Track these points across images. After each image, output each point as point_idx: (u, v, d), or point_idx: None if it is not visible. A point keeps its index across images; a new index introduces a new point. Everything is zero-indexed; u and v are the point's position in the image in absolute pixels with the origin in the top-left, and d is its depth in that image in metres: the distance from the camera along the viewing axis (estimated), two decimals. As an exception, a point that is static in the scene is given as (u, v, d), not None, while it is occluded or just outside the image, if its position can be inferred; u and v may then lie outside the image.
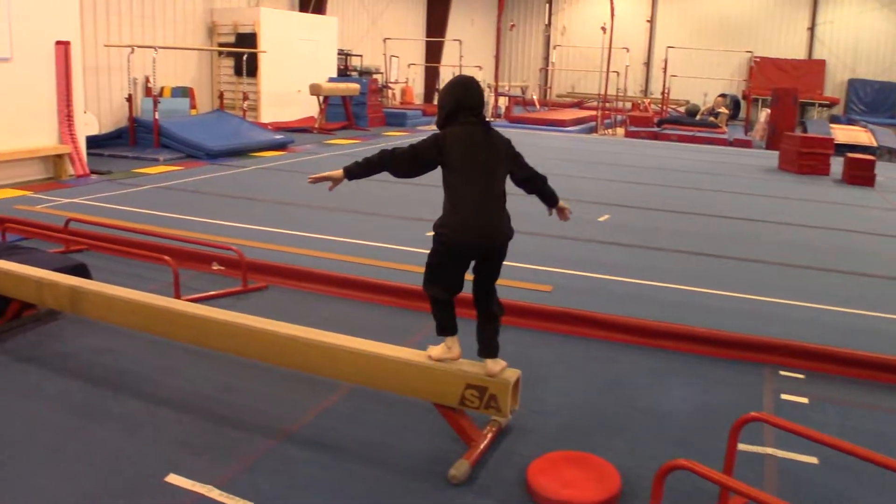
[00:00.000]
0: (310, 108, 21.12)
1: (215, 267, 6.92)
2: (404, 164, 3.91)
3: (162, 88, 17.39)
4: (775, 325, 5.96)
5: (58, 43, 11.77)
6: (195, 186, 10.88)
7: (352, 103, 21.30)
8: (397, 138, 18.95)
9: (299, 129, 19.51)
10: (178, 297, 5.90)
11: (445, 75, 30.88)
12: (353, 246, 7.74)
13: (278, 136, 16.48)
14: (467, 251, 3.81)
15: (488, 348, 3.86)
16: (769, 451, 4.12)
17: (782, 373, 5.23)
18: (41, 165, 11.88)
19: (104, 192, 10.06)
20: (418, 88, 31.55)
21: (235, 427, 4.20)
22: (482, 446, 3.88)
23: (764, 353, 5.42)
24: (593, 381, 5.03)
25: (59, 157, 11.83)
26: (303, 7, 23.19)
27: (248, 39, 19.31)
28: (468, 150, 3.78)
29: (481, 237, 3.75)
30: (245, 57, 18.32)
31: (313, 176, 4.16)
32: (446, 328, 3.91)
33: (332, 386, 4.56)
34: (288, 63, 20.17)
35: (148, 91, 16.95)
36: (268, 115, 19.74)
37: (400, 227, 8.81)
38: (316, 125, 19.97)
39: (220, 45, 19.74)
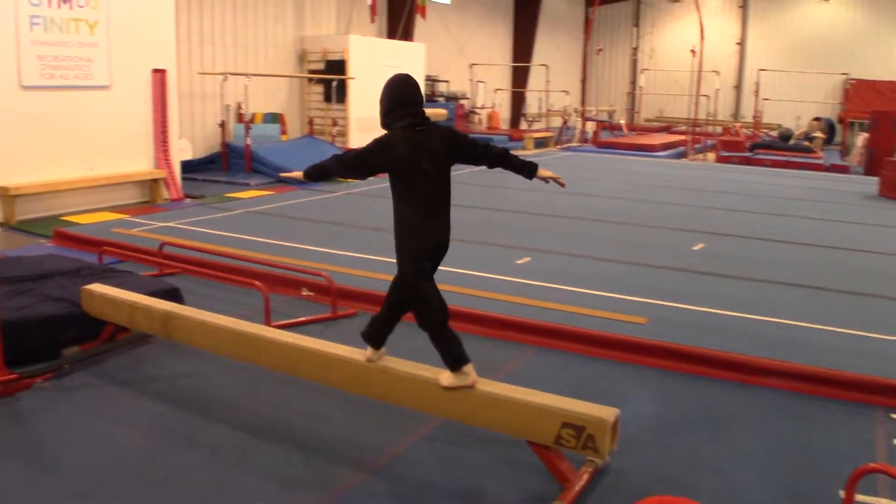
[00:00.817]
0: (402, 133, 21.23)
1: (305, 293, 6.92)
2: (352, 168, 4.06)
3: (253, 114, 17.73)
4: (886, 363, 5.62)
5: (154, 71, 12.12)
6: (285, 211, 10.99)
7: (438, 128, 21.32)
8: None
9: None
10: (268, 322, 5.91)
11: (532, 100, 30.83)
12: (440, 273, 7.63)
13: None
14: (427, 255, 3.92)
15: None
16: (884, 502, 3.84)
17: (895, 416, 4.92)
18: (138, 189, 12.21)
19: (197, 216, 10.26)
20: (504, 113, 31.51)
21: (323, 458, 4.13)
22: (577, 488, 3.71)
23: (875, 393, 5.10)
24: (690, 419, 4.80)
25: (155, 181, 12.14)
26: (391, 34, 23.45)
27: (337, 66, 19.57)
28: (408, 153, 3.82)
29: (437, 241, 3.92)
30: (334, 83, 18.54)
31: (285, 174, 4.40)
32: (460, 357, 3.86)
33: (422, 417, 4.46)
34: (376, 89, 20.11)
35: (240, 117, 17.31)
36: (356, 140, 19.91)
37: (487, 253, 8.71)
38: (403, 150, 20.05)
39: (310, 71, 20.05)
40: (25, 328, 5.11)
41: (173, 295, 5.87)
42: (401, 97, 3.98)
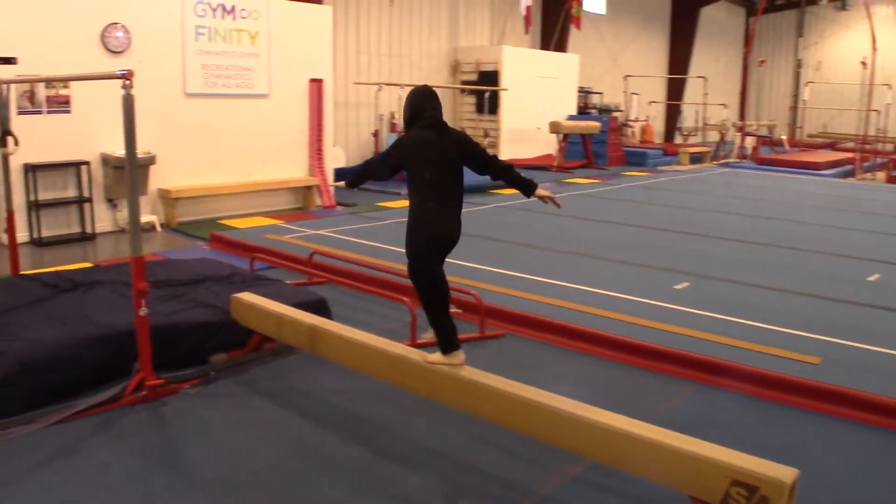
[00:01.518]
0: (548, 145, 20.96)
1: (452, 310, 6.70)
2: (378, 168, 4.49)
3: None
4: None
5: (312, 80, 12.31)
6: None
7: (591, 141, 20.87)
8: (638, 178, 18.28)
9: (537, 166, 19.34)
10: (413, 340, 5.74)
11: (688, 113, 29.79)
12: (595, 296, 7.26)
13: (517, 174, 16.27)
14: (440, 245, 4.29)
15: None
16: None
17: None
18: (291, 196, 12.43)
19: (349, 224, 10.29)
20: (658, 127, 30.62)
21: (468, 491, 3.88)
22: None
23: None
24: (875, 477, 4.25)
25: (309, 188, 12.32)
26: (544, 45, 23.16)
27: (490, 77, 19.46)
28: (421, 150, 4.19)
29: (448, 230, 4.27)
30: (487, 94, 18.40)
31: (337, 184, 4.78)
32: (453, 344, 4.24)
33: (573, 457, 4.11)
34: (528, 100, 20.12)
35: (392, 126, 17.44)
36: (507, 151, 19.74)
37: (642, 275, 8.24)
38: (554, 163, 19.75)
39: (463, 82, 20.04)
40: (176, 333, 5.12)
41: (320, 307, 5.79)
42: (421, 106, 4.33)
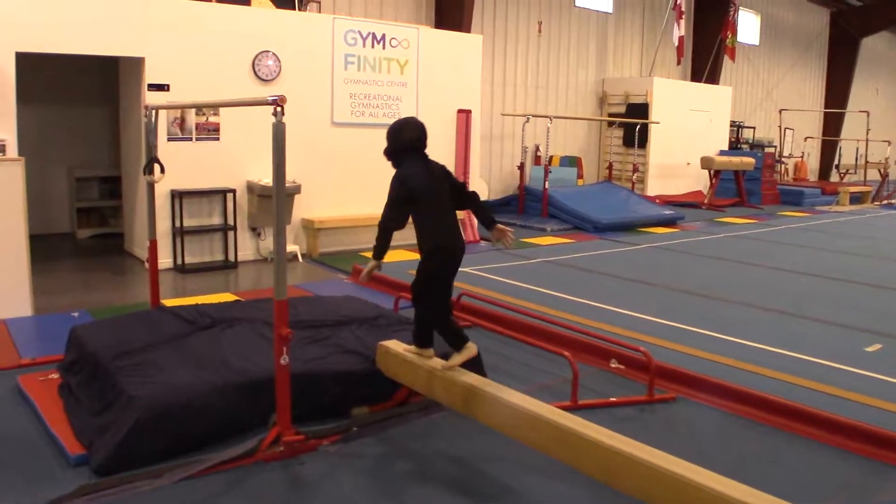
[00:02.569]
0: (696, 181, 19.96)
1: (614, 364, 6.05)
2: (395, 216, 4.49)
3: (551, 157, 17.28)
4: None
5: (459, 111, 11.92)
6: (586, 264, 10.13)
7: (744, 178, 19.70)
8: (796, 219, 16.98)
9: (686, 203, 18.36)
10: (574, 400, 5.13)
11: (848, 149, 27.88)
12: (773, 356, 6.39)
13: (668, 212, 15.44)
14: (452, 267, 4.54)
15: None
16: None
17: None
18: (434, 230, 12.03)
19: (494, 262, 9.73)
20: (813, 163, 28.88)
21: None
22: None
23: None
24: None
25: (453, 222, 11.89)
26: (694, 76, 22.19)
27: (638, 110, 18.67)
28: (429, 181, 4.43)
29: (459, 253, 4.54)
30: (638, 128, 17.61)
31: (362, 278, 4.81)
32: (462, 337, 4.54)
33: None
34: (678, 134, 19.20)
35: (537, 160, 16.93)
36: (654, 187, 18.88)
37: (828, 334, 7.25)
38: (705, 201, 18.71)
39: (610, 115, 19.33)
40: (318, 383, 4.69)
41: (472, 359, 5.24)
42: (417, 138, 4.51)
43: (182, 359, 4.76)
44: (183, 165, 8.94)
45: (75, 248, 11.59)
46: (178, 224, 9.44)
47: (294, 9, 11.72)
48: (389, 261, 9.87)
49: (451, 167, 11.81)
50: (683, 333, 6.92)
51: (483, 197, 13.25)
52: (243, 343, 5.07)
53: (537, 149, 17.35)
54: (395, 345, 4.85)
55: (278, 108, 4.05)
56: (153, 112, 6.07)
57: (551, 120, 15.37)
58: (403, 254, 10.46)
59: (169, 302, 7.43)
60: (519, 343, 6.36)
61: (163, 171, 6.04)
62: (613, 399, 5.39)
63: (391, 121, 10.82)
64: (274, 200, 4.16)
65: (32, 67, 9.78)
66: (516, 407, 3.92)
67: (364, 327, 5.58)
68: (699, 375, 5.67)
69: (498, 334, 6.59)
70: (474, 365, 5.20)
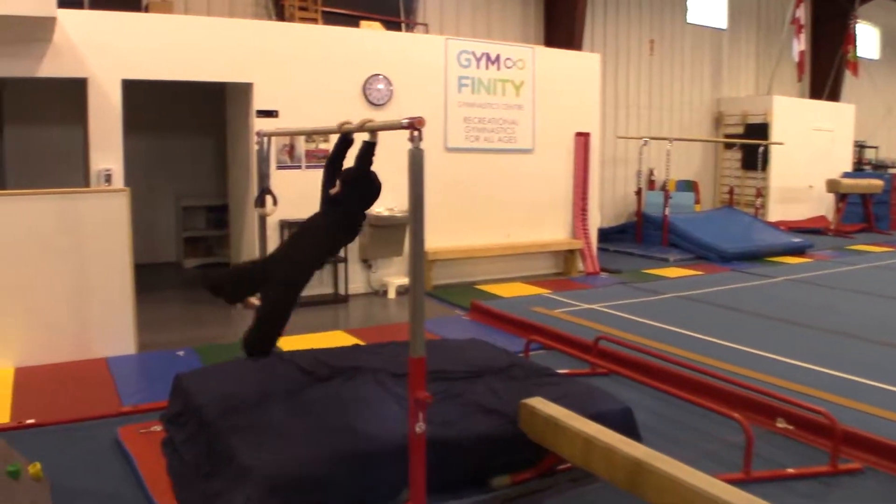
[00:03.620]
0: (819, 205, 18.69)
1: (780, 424, 5.22)
2: None
3: (666, 181, 16.41)
4: None
5: (578, 134, 11.23)
6: (723, 299, 9.13)
7: (872, 202, 18.31)
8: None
9: (810, 229, 17.12)
10: (747, 471, 4.35)
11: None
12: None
13: (796, 239, 14.31)
14: None
15: None
16: None
17: None
18: (551, 260, 11.35)
19: (622, 297, 8.91)
20: (944, 186, 26.97)
21: None
22: None
23: None
24: None
25: (571, 252, 11.17)
26: (814, 94, 20.92)
27: (757, 130, 17.61)
28: None
29: None
30: (761, 149, 16.54)
31: None
32: None
33: None
34: (800, 156, 18.01)
35: (651, 184, 16.06)
36: (775, 212, 17.70)
37: None
38: (832, 226, 17.44)
39: (727, 135, 18.31)
40: (455, 450, 4.03)
41: (624, 420, 4.53)
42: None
43: (299, 418, 4.18)
44: (292, 194, 8.44)
45: (181, 278, 11.35)
46: (286, 256, 9.01)
47: (400, 31, 11.31)
48: (505, 293, 9.36)
49: (567, 194, 11.24)
50: (857, 387, 5.91)
51: (597, 225, 12.65)
52: (368, 400, 4.46)
53: (651, 173, 16.48)
54: (541, 404, 4.16)
55: (415, 133, 3.46)
56: (265, 139, 5.59)
57: (671, 142, 14.50)
58: (525, 287, 9.81)
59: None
60: (665, 395, 5.60)
61: (275, 202, 5.55)
62: (791, 470, 4.56)
63: (507, 146, 10.39)
64: (410, 242, 3.56)
65: (139, 96, 9.57)
66: (698, 490, 3.18)
67: (499, 379, 4.91)
68: (891, 442, 4.79)
69: (640, 383, 5.84)
70: (628, 425, 4.50)
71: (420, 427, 3.56)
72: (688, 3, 17.75)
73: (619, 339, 6.55)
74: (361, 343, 6.73)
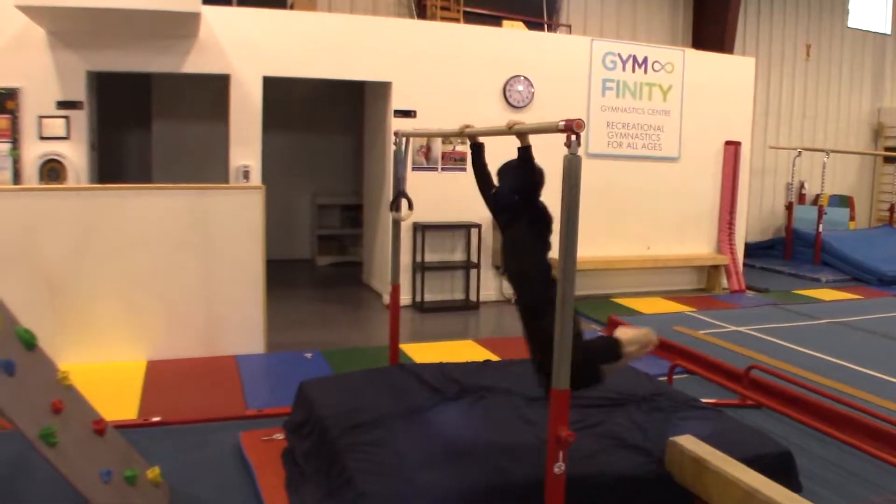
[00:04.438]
0: None
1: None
2: None
3: (817, 195, 15.40)
4: None
5: (727, 143, 10.58)
6: (887, 328, 8.05)
7: None
8: None
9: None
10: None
11: None
12: None
13: (966, 264, 13.10)
14: None
15: None
16: None
17: None
18: (693, 275, 10.75)
19: (772, 320, 8.23)
20: None
21: None
22: None
23: None
24: None
25: (715, 267, 10.54)
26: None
27: (923, 144, 16.33)
28: None
29: None
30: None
31: None
32: None
33: None
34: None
35: (801, 198, 15.09)
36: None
37: None
38: None
39: (887, 148, 17.05)
40: (593, 488, 3.65)
41: (784, 465, 4.04)
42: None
43: (424, 442, 3.90)
44: (427, 197, 8.26)
45: (314, 275, 11.37)
46: (419, 259, 8.82)
47: (543, 32, 10.96)
48: (648, 311, 8.84)
49: (714, 206, 10.60)
50: None
51: (743, 240, 11.93)
52: (499, 427, 4.14)
53: (802, 186, 15.49)
54: (692, 444, 3.73)
55: (573, 137, 3.12)
56: (403, 140, 5.35)
57: (828, 154, 13.57)
58: (665, 303, 9.26)
59: (405, 346, 6.75)
60: (818, 433, 5.05)
61: (411, 207, 5.30)
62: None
63: (652, 153, 9.85)
64: (560, 257, 3.23)
65: (280, 94, 9.60)
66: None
67: (642, 410, 4.50)
68: None
69: (797, 421, 5.29)
70: (787, 471, 4.02)
71: (559, 468, 3.21)
72: (849, 5, 16.62)
73: (773, 368, 5.97)
74: (492, 356, 6.44)
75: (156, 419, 5.05)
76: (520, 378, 4.78)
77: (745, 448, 3.94)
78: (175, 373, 6.11)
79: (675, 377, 5.98)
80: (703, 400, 5.17)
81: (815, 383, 5.76)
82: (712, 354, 6.62)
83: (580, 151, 7.46)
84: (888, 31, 17.48)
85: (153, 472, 3.87)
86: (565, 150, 3.12)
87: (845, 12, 16.57)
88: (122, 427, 4.41)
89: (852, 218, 15.78)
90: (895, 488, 4.36)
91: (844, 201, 15.95)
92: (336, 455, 3.84)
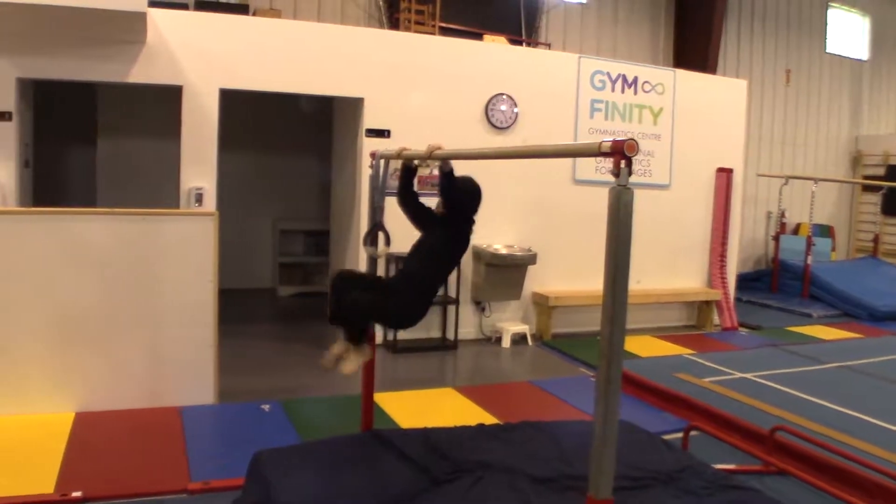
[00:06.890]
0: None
1: None
2: None
3: (798, 225, 14.90)
4: None
5: (719, 170, 9.95)
6: None
7: None
8: None
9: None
10: None
11: None
12: None
13: (955, 298, 12.59)
14: None
15: None
16: None
17: None
18: (683, 311, 10.07)
19: (776, 365, 7.48)
20: None
21: None
22: None
23: None
24: None
25: (707, 303, 9.85)
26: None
27: (900, 172, 15.91)
28: None
29: None
30: (908, 193, 14.89)
31: None
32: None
33: None
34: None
35: (782, 227, 14.54)
36: (918, 264, 15.90)
37: None
38: None
39: (865, 176, 16.63)
40: None
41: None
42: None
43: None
44: (401, 225, 7.45)
45: (275, 307, 10.52)
46: (390, 293, 8.01)
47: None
48: (642, 352, 8.09)
49: (705, 237, 9.92)
50: None
51: (734, 273, 11.24)
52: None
53: (782, 215, 14.94)
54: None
55: (622, 164, 2.37)
56: (380, 163, 4.57)
57: (816, 182, 13.02)
58: (658, 343, 8.54)
59: (378, 396, 5.88)
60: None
61: (388, 242, 4.52)
62: None
63: (642, 180, 9.10)
64: (605, 312, 2.43)
65: (239, 109, 8.80)
66: None
67: (670, 493, 3.73)
68: None
69: (829, 494, 4.55)
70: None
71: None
72: (827, 30, 16.22)
73: (797, 428, 5.24)
74: (477, 409, 5.66)
75: (76, 495, 4.15)
76: (521, 449, 4.01)
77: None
78: (107, 429, 5.23)
79: (690, 437, 5.23)
80: (724, 467, 4.47)
81: (845, 445, 5.03)
82: (723, 407, 5.88)
83: (567, 178, 6.40)
84: (866, 58, 17.13)
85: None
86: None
87: (824, 37, 16.18)
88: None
89: (833, 248, 15.28)
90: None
91: (825, 231, 15.44)
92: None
